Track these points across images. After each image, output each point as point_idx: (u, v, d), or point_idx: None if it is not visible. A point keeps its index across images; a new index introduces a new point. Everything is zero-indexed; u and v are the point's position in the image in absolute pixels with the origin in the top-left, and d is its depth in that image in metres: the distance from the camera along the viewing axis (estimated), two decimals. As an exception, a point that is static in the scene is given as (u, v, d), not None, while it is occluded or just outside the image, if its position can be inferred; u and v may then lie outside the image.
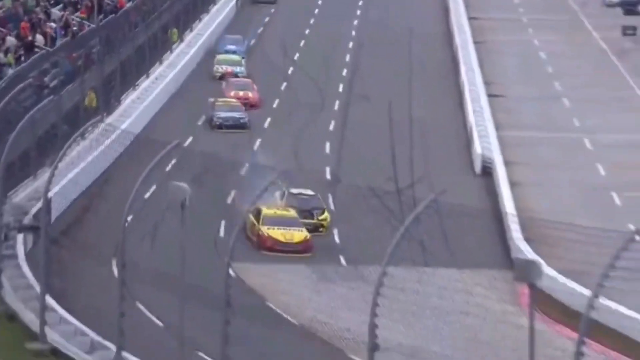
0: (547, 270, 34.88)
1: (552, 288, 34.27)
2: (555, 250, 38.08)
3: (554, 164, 52.83)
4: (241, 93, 58.66)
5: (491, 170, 50.39)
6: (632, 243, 20.91)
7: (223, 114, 54.90)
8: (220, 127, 54.41)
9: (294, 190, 42.23)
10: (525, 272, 27.02)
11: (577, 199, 47.69)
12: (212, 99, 56.54)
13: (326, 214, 41.90)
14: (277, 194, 41.82)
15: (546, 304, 33.16)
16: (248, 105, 57.50)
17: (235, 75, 62.94)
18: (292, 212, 40.83)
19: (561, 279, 36.00)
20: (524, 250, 39.86)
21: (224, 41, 69.37)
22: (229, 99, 57.24)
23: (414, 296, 32.79)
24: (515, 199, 46.78)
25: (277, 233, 39.64)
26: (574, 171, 51.65)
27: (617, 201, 47.47)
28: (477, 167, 51.78)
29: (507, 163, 51.17)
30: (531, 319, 22.76)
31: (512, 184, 48.50)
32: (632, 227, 26.51)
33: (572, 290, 33.91)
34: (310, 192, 42.98)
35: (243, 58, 66.19)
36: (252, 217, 39.98)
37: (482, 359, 28.67)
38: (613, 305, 28.41)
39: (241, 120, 54.90)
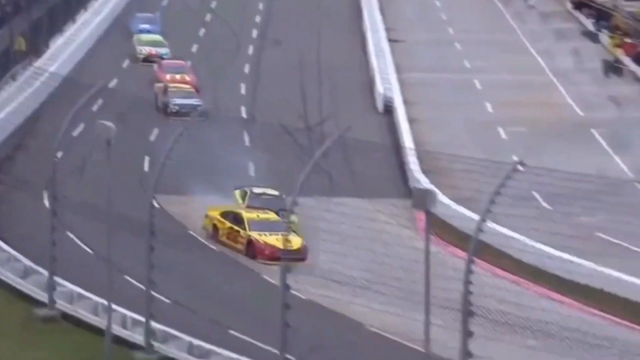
0: (442, 198, 35.26)
1: (445, 214, 34.64)
2: (449, 180, 38.50)
3: (447, 102, 53.23)
4: (178, 76, 51.00)
5: (392, 108, 50.64)
6: (515, 172, 21.24)
7: (179, 101, 47.46)
8: (176, 114, 46.38)
9: (257, 190, 36.49)
10: (422, 200, 27.37)
11: (468, 133, 48.15)
12: (160, 84, 49.56)
13: (294, 217, 35.85)
14: (237, 193, 36.53)
15: (441, 228, 33.57)
16: None
17: (161, 57, 55.14)
18: (274, 215, 34.62)
19: (454, 205, 36.43)
20: (421, 180, 40.22)
21: (136, 20, 61.23)
22: (181, 85, 49.69)
23: (322, 223, 33.10)
24: (413, 135, 47.10)
25: (272, 239, 32.98)
26: (465, 109, 52.10)
27: (503, 135, 48.05)
28: (379, 106, 51.97)
29: (406, 102, 51.45)
30: (427, 242, 23.05)
31: (411, 121, 48.80)
32: (515, 158, 26.82)
33: (463, 215, 34.32)
34: (274, 191, 36.54)
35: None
36: (225, 221, 34.51)
37: (383, 278, 28.98)
38: (499, 228, 28.84)
39: (198, 108, 46.60)
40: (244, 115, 49.42)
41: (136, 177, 37.19)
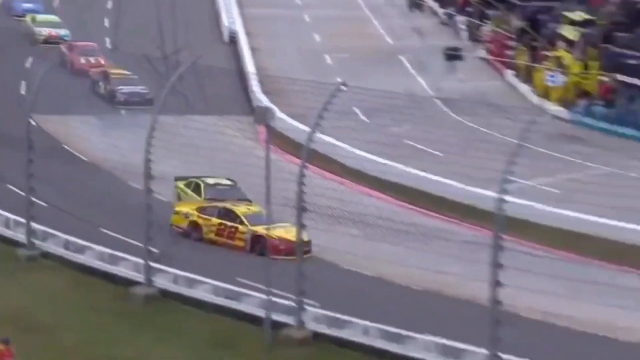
0: (279, 114, 35.14)
1: (283, 127, 34.65)
2: (285, 99, 38.45)
3: (282, 34, 52.87)
4: (92, 60, 43.33)
5: (236, 39, 50.15)
6: (339, 92, 21.36)
7: (126, 89, 39.42)
8: (125, 103, 38.92)
9: (210, 181, 29.13)
10: (263, 116, 27.09)
11: (300, 60, 48.03)
12: (96, 69, 41.88)
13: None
14: (180, 183, 29.31)
15: (279, 139, 33.47)
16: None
17: (62, 38, 46.75)
18: (257, 206, 26.97)
19: (289, 120, 36.38)
20: (262, 99, 40.09)
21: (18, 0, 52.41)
22: (122, 71, 41.15)
23: (180, 138, 32.68)
24: (255, 61, 46.81)
25: (282, 232, 26.11)
26: (297, 39, 51.88)
27: (329, 61, 48.12)
28: (225, 37, 51.35)
29: (248, 34, 50.99)
30: (267, 151, 22.99)
31: (252, 50, 48.45)
32: (339, 79, 26.90)
33: (297, 128, 34.31)
34: (227, 181, 29.23)
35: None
36: (209, 217, 27.18)
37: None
38: (326, 138, 28.87)
39: (147, 96, 38.77)
40: (108, 45, 48.10)
41: (15, 100, 35.84)
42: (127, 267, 23.77)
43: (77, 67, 42.77)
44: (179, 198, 28.81)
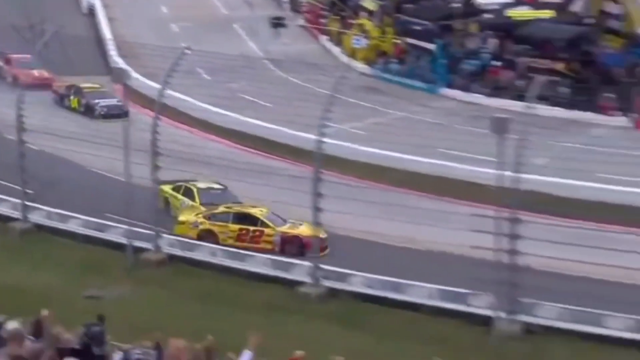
0: (134, 74, 34.23)
1: (138, 85, 33.74)
2: (139, 62, 37.55)
3: (134, 6, 51.31)
4: (36, 73, 35.24)
5: (94, 11, 48.47)
6: (184, 55, 21.17)
7: (103, 102, 33.39)
8: (105, 116, 32.61)
9: (201, 185, 23.86)
10: (120, 76, 26.33)
11: (150, 28, 46.87)
12: (61, 84, 34.98)
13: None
14: (168, 188, 23.77)
15: (135, 95, 32.56)
16: (48, 86, 34.98)
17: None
18: (265, 207, 22.39)
19: (142, 79, 35.51)
20: (119, 62, 38.98)
21: None
22: (93, 85, 34.65)
23: (50, 95, 31.32)
24: (111, 30, 45.42)
25: (307, 231, 21.37)
26: (147, 11, 50.52)
27: (175, 29, 47.24)
28: (84, 9, 49.54)
29: (104, 6, 49.38)
30: (126, 106, 22.44)
31: (109, 20, 46.99)
32: (183, 44, 26.42)
33: (150, 86, 33.47)
34: (217, 185, 24.02)
35: None
36: (225, 223, 21.91)
37: (94, 131, 28.06)
38: (175, 93, 28.31)
39: (123, 108, 33.59)
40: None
41: None
42: (6, 206, 23.03)
43: (23, 80, 34.10)
44: (167, 203, 23.65)
